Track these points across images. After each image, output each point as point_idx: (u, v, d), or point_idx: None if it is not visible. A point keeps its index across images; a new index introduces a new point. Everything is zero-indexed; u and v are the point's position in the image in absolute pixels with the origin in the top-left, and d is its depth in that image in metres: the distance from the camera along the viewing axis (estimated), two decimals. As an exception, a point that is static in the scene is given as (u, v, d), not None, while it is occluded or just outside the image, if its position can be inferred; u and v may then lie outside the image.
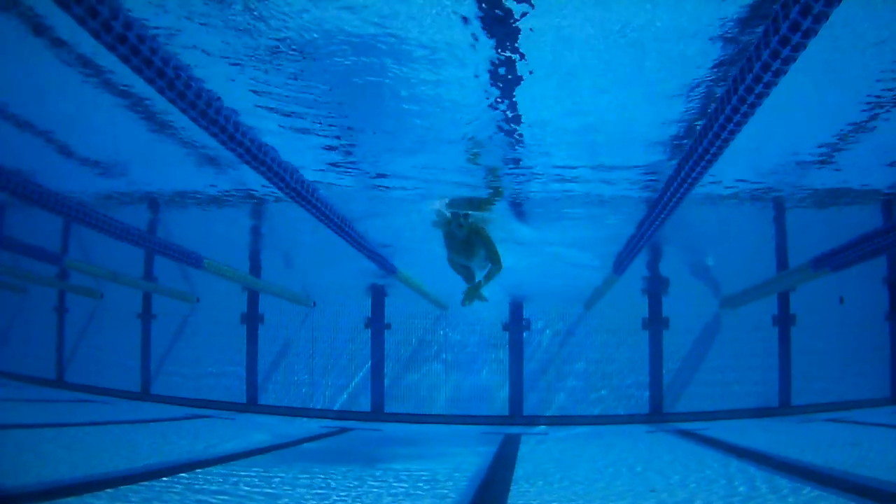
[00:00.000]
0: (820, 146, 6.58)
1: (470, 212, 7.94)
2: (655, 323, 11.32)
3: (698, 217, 9.12)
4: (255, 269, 11.76)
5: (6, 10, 4.68)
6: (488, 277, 7.97)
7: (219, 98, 4.39)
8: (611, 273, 10.46)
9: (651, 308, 11.35)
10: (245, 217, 10.27)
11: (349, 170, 7.43)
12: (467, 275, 8.74)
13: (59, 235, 12.50)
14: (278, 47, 4.67)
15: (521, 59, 4.55)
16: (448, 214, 8.06)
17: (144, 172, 9.44)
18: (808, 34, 2.73)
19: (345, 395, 11.55)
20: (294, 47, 4.65)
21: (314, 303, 11.66)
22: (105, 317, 12.88)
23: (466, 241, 7.93)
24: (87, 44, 4.24)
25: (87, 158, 8.86)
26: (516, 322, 11.36)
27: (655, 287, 11.33)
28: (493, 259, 7.80)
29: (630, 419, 11.27)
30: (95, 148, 8.50)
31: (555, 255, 10.28)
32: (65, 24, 4.02)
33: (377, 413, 11.41)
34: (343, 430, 10.55)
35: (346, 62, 4.77)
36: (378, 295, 11.47)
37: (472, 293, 8.16)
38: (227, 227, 10.59)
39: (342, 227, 7.40)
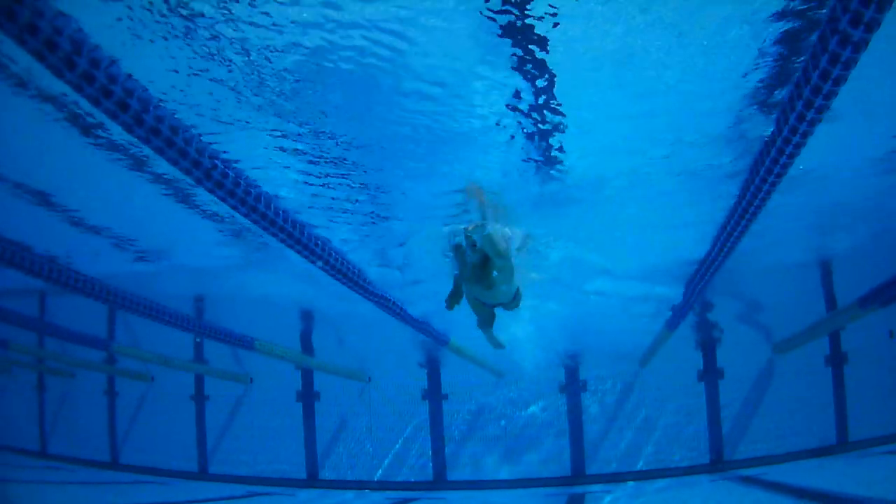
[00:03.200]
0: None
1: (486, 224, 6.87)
2: (711, 374, 11.34)
3: (747, 265, 9.15)
4: (307, 347, 11.79)
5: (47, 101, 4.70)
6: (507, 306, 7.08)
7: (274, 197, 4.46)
8: (664, 329, 10.50)
9: (706, 360, 11.37)
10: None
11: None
12: (488, 315, 7.63)
13: (104, 320, 12.56)
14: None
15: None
16: (461, 238, 7.03)
17: (188, 256, 9.50)
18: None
19: (406, 466, 11.57)
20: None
21: (369, 378, 11.69)
22: (157, 399, 12.91)
23: (483, 266, 6.75)
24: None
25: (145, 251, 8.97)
26: (573, 383, 11.39)
27: (708, 339, 11.34)
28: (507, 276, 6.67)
29: (691, 470, 11.29)
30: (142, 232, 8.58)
31: (605, 302, 10.17)
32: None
33: (439, 482, 11.44)
34: (406, 501, 10.59)
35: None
36: (433, 366, 11.51)
37: (487, 328, 7.43)
38: (278, 309, 10.66)
39: (390, 306, 7.47)
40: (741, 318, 11.40)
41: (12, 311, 10.22)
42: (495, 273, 6.70)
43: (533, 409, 11.55)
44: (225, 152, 4.92)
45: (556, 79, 4.23)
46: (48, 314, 12.78)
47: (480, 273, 6.77)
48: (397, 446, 11.68)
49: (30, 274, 7.37)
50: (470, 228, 6.68)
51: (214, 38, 3.77)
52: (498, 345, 8.01)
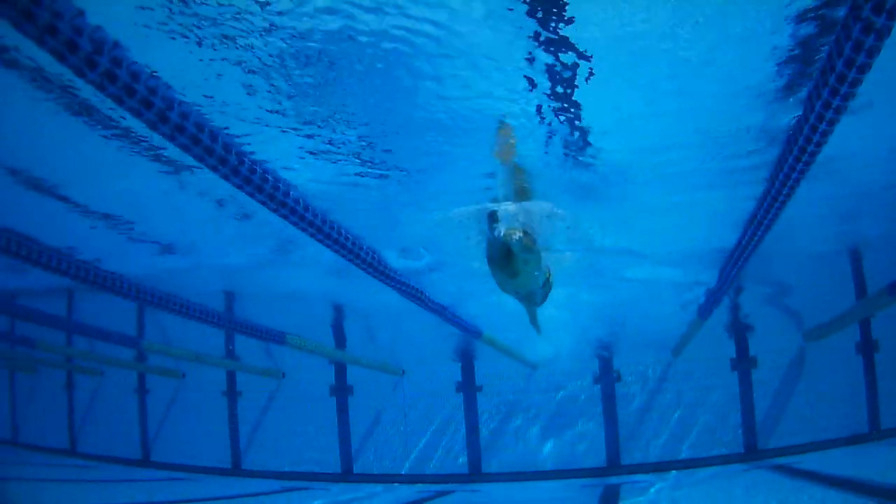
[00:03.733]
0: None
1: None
2: (743, 363, 11.37)
3: (778, 250, 9.17)
4: (340, 341, 11.82)
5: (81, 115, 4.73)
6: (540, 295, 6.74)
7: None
8: (696, 318, 10.52)
9: (738, 348, 11.40)
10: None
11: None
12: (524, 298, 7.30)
13: (134, 317, 12.57)
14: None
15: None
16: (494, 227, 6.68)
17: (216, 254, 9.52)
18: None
19: (441, 459, 11.61)
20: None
21: (403, 371, 11.72)
22: (189, 396, 12.94)
23: (507, 255, 6.45)
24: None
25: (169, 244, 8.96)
26: (607, 374, 11.43)
27: (741, 328, 11.37)
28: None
29: (726, 460, 11.31)
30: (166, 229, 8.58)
31: (638, 289, 10.15)
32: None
33: (474, 475, 11.47)
34: (442, 494, 10.61)
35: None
36: (467, 358, 11.54)
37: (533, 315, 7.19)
38: (309, 304, 10.67)
39: (423, 300, 7.49)
40: (772, 306, 11.43)
41: (39, 311, 10.26)
42: (521, 264, 6.45)
43: (566, 399, 11.58)
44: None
45: (587, 65, 4.20)
46: (76, 313, 12.80)
47: (505, 261, 6.50)
48: (432, 439, 11.71)
49: (57, 273, 7.44)
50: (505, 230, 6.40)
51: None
52: (538, 326, 7.88)
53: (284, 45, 3.85)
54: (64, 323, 11.80)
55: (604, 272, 9.17)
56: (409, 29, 3.73)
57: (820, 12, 3.73)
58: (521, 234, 6.27)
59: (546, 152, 5.41)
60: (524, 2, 3.56)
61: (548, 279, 6.86)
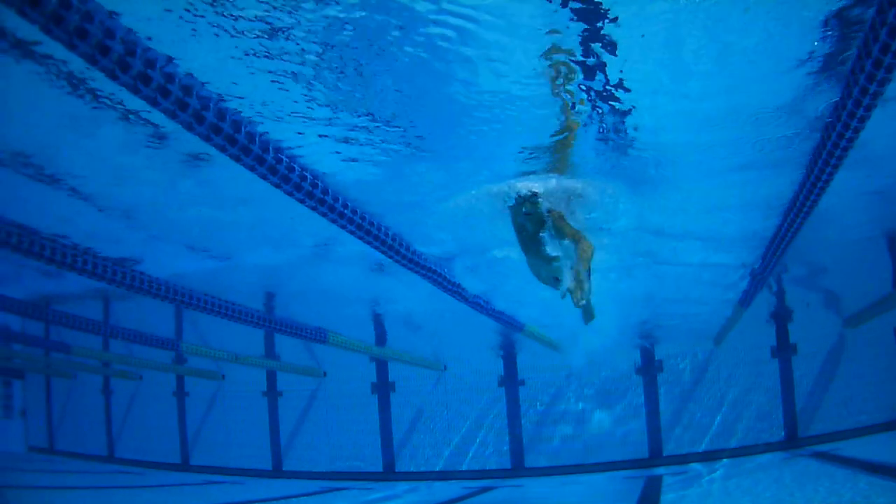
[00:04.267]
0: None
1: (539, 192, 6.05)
2: (784, 350, 11.37)
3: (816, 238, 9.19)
4: (381, 337, 11.85)
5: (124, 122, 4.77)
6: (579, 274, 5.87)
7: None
8: (737, 306, 10.55)
9: (779, 336, 11.41)
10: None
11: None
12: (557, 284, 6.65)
13: (171, 319, 12.64)
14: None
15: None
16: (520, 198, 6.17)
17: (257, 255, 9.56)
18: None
19: (484, 454, 11.61)
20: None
21: (445, 366, 11.75)
22: (228, 397, 12.97)
23: (535, 236, 6.12)
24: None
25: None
26: (649, 365, 11.43)
27: (781, 315, 11.38)
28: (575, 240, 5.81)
29: (767, 448, 11.30)
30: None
31: (679, 274, 10.10)
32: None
33: (517, 469, 11.48)
34: (485, 490, 10.61)
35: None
36: (509, 352, 11.57)
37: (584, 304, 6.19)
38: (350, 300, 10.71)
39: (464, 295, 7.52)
40: (811, 293, 11.44)
41: (76, 315, 10.33)
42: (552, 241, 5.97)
43: (607, 390, 11.59)
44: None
45: (625, 53, 4.16)
46: (113, 316, 12.88)
47: (537, 244, 6.15)
48: (474, 434, 11.72)
49: (93, 277, 7.51)
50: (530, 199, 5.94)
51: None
52: (590, 314, 7.55)
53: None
54: (100, 327, 11.86)
55: (648, 255, 9.14)
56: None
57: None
58: (552, 210, 5.90)
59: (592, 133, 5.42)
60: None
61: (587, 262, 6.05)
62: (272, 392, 12.57)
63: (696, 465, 10.87)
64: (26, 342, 14.24)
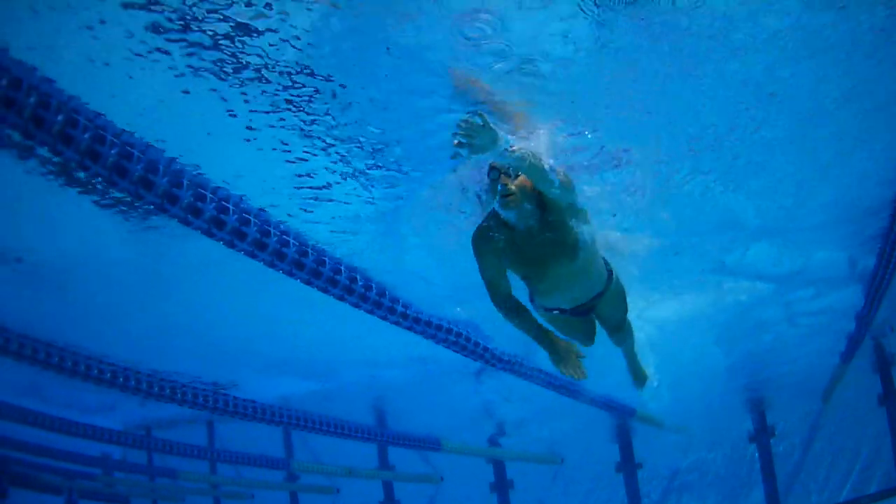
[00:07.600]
0: None
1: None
2: (892, 397, 11.44)
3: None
4: (497, 435, 11.96)
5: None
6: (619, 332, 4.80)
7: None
8: (840, 362, 10.64)
9: (884, 384, 11.47)
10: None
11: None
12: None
13: (280, 438, 12.82)
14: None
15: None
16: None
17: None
18: None
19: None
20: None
21: (562, 459, 11.86)
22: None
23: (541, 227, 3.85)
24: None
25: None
26: (761, 431, 11.46)
27: (885, 363, 11.45)
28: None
29: (882, 496, 11.42)
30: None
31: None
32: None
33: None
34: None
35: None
36: (624, 436, 11.65)
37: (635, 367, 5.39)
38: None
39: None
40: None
41: (179, 442, 10.51)
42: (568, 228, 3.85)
43: (721, 461, 11.69)
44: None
45: None
46: (218, 440, 13.07)
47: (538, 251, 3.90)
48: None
49: (195, 407, 7.73)
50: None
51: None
52: (640, 375, 5.62)
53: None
54: (206, 452, 11.94)
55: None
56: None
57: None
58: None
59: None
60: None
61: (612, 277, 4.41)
62: (389, 501, 12.66)
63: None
64: (129, 470, 14.36)
